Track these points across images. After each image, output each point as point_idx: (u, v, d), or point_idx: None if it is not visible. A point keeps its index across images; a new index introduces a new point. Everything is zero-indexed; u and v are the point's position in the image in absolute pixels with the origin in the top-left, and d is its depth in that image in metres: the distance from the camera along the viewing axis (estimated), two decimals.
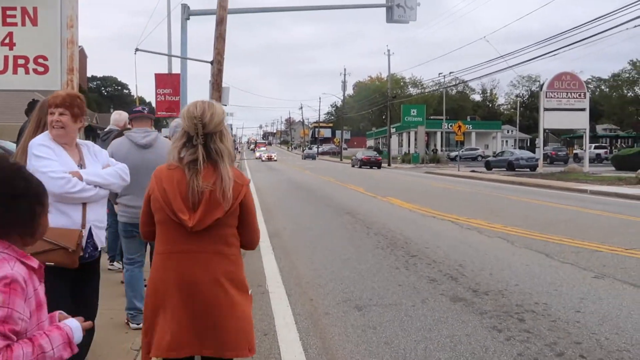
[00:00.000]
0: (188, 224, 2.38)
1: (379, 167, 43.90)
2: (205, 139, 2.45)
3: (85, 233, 3.12)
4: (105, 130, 6.73)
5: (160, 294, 2.44)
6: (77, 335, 1.74)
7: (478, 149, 62.24)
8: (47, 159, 3.03)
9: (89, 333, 2.80)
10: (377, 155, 47.02)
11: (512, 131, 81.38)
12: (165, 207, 2.41)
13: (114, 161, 3.46)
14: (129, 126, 5.65)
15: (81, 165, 3.21)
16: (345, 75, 77.45)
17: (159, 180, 2.46)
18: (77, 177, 3.07)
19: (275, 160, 62.53)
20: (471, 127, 68.16)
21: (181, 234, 2.42)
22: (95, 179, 3.16)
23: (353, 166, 46.14)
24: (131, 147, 4.57)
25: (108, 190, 3.27)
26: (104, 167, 3.30)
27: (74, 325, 1.75)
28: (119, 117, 6.60)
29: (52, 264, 2.89)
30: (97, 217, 3.22)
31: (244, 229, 2.56)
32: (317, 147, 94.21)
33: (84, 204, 3.13)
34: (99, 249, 3.29)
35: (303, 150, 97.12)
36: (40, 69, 5.06)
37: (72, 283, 3.15)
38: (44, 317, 1.67)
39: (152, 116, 4.95)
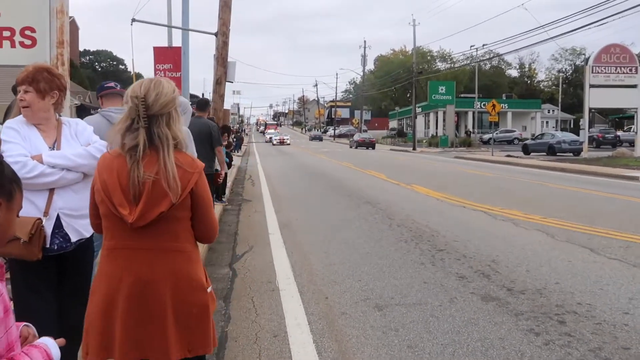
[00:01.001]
0: (128, 220, 2.35)
1: (374, 147, 54.17)
2: (148, 122, 2.41)
3: (50, 222, 3.07)
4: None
5: (103, 291, 2.44)
6: (55, 353, 1.72)
7: (514, 131, 61.71)
8: (10, 143, 3.01)
9: (75, 340, 2.81)
10: (371, 137, 57.85)
11: (553, 111, 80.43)
12: (106, 199, 2.39)
13: (96, 139, 3.37)
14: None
15: (55, 146, 3.17)
16: (365, 48, 77.23)
17: (100, 169, 2.44)
18: (37, 161, 3.02)
19: (289, 144, 62.14)
20: (507, 107, 67.44)
21: (125, 229, 2.41)
22: (60, 161, 3.09)
23: (351, 147, 55.89)
24: (109, 128, 4.48)
25: (80, 174, 3.18)
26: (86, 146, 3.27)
27: (49, 343, 1.72)
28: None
29: (13, 257, 2.91)
30: (69, 204, 3.14)
31: (198, 222, 2.52)
32: (334, 129, 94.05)
33: (52, 190, 3.09)
34: (77, 241, 3.20)
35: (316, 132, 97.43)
36: (28, 41, 5.09)
37: (51, 279, 3.15)
38: (11, 323, 1.64)
39: (124, 92, 4.83)
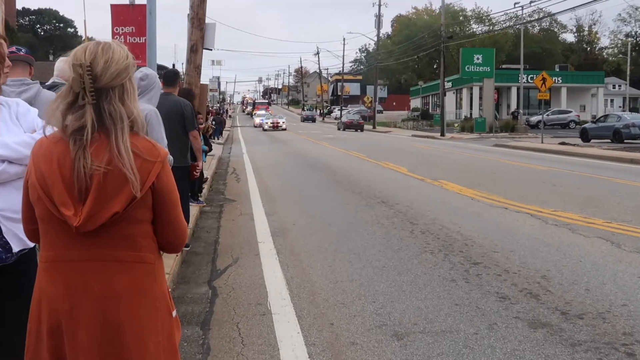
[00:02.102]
0: (73, 223, 2.31)
1: (362, 130, 62.80)
2: (97, 98, 2.37)
3: None
4: (47, 84, 6.77)
5: (45, 318, 2.42)
6: None
7: (571, 112, 61.72)
8: None
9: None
10: (360, 119, 67.90)
11: (620, 86, 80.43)
12: (45, 197, 2.34)
13: (42, 124, 3.39)
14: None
15: None
16: (380, 6, 76.64)
17: (36, 158, 2.39)
18: None
19: (284, 129, 61.50)
20: (561, 81, 67.45)
21: (69, 235, 2.36)
22: (0, 151, 3.08)
23: (339, 129, 64.71)
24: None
25: (25, 166, 3.17)
26: (32, 132, 3.27)
27: None
28: (66, 65, 6.62)
29: None
30: (10, 204, 3.10)
31: (161, 226, 2.50)
32: (340, 109, 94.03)
33: None
34: (19, 251, 3.17)
35: (321, 114, 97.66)
36: None
37: None
38: None
39: (31, 60, 4.67)
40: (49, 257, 2.43)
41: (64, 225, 2.36)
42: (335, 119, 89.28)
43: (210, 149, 16.76)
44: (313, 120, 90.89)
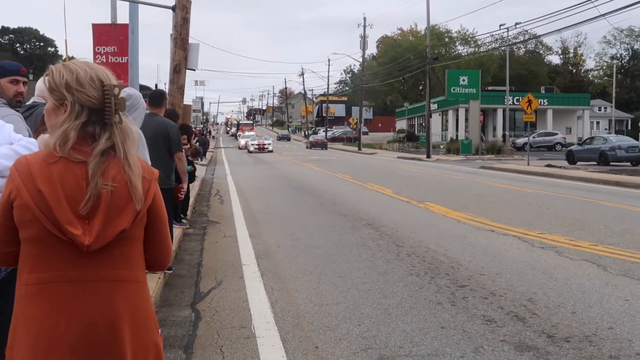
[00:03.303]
0: (83, 241, 2.33)
1: (326, 148, 73.58)
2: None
3: None
4: (28, 104, 6.78)
5: (26, 340, 2.37)
6: None
7: (557, 134, 62.25)
8: None
9: None
10: (324, 139, 79.55)
11: (605, 108, 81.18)
12: (43, 218, 2.34)
13: (19, 136, 3.39)
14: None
15: None
16: (365, 27, 77.29)
17: (29, 177, 2.36)
18: None
19: (271, 151, 60.93)
20: (546, 103, 68.10)
21: (67, 255, 2.37)
22: None
23: (307, 148, 75.64)
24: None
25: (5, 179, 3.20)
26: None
27: None
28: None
29: None
30: None
31: (153, 243, 2.56)
32: (325, 131, 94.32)
33: None
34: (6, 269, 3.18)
35: (305, 135, 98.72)
36: None
37: None
38: None
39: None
40: (41, 279, 2.38)
41: (62, 245, 2.36)
42: (304, 136, 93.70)
43: (195, 171, 16.74)
44: (288, 139, 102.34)
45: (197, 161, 15.34)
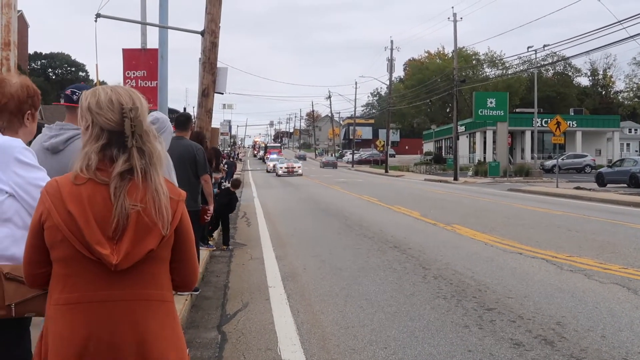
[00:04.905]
0: (112, 261, 2.37)
1: (336, 167, 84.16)
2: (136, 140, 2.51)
3: None
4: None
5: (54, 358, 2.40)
6: None
7: (586, 156, 61.66)
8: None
9: None
10: (335, 159, 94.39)
11: (636, 130, 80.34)
12: (73, 238, 2.39)
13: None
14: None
15: None
16: (392, 50, 77.48)
17: (59, 199, 2.43)
18: None
19: (300, 175, 58.37)
20: (576, 125, 67.60)
21: (96, 275, 2.41)
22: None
23: (320, 167, 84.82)
24: (40, 151, 4.25)
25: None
26: None
27: None
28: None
29: None
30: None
31: (180, 263, 2.61)
32: (352, 153, 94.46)
33: None
34: None
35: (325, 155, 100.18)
36: None
37: None
38: None
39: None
40: (71, 299, 2.43)
41: (91, 265, 2.41)
42: (356, 162, 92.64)
43: (238, 201, 16.79)
44: (304, 159, 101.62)
45: (224, 183, 15.42)
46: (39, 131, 4.10)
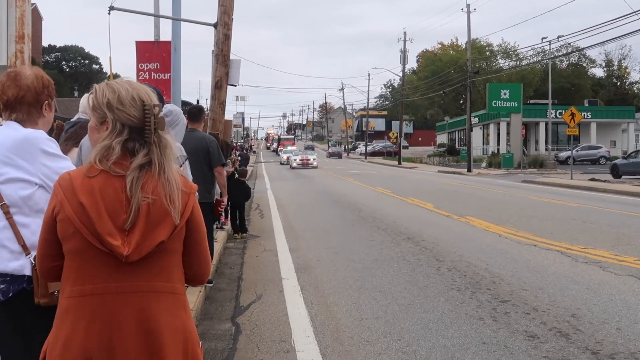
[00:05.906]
0: (122, 252, 2.38)
1: (341, 157, 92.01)
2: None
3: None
4: (72, 120, 6.90)
5: (68, 352, 2.41)
6: None
7: (601, 147, 61.28)
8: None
9: None
10: (341, 150, 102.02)
11: None
12: (84, 230, 2.40)
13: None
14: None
15: None
16: (405, 41, 77.25)
17: (71, 192, 2.44)
18: None
19: (315, 167, 56.46)
20: (590, 116, 67.14)
21: (107, 266, 2.42)
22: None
23: (327, 157, 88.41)
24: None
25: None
26: None
27: None
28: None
29: None
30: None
31: (191, 257, 2.61)
32: (365, 145, 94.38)
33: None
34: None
35: (345, 149, 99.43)
36: None
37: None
38: None
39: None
40: (83, 292, 2.44)
41: (102, 257, 2.41)
42: (369, 153, 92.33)
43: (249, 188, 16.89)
44: (312, 149, 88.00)
45: (242, 179, 15.45)
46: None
